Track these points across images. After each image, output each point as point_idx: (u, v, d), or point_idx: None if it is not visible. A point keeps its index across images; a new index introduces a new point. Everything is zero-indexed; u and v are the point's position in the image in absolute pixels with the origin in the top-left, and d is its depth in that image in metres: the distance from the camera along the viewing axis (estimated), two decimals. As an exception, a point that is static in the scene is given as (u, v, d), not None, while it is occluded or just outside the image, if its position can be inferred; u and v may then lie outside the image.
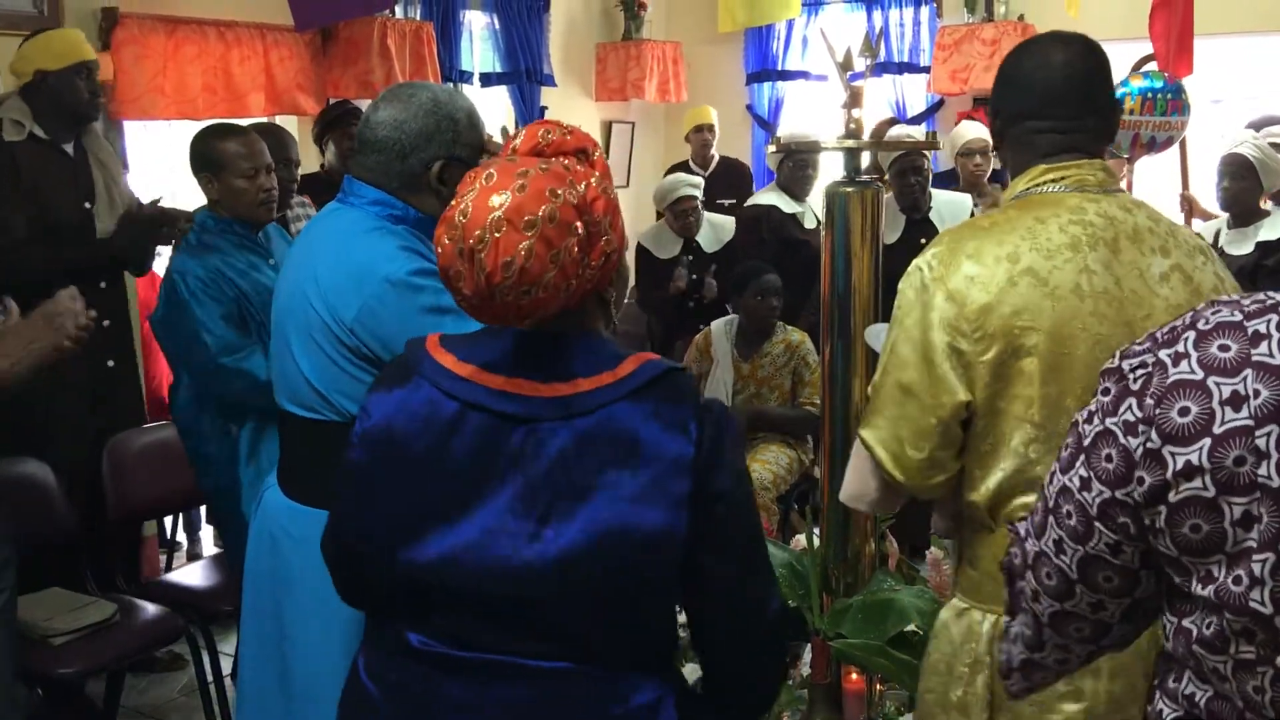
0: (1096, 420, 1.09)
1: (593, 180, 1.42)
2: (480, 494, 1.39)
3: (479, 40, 6.46)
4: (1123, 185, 5.77)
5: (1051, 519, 1.15)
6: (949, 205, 4.72)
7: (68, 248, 3.53)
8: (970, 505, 1.76)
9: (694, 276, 5.28)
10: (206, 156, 3.07)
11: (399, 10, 5.65)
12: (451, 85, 6.01)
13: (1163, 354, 1.04)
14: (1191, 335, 1.03)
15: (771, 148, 5.13)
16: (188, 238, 3.13)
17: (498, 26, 6.40)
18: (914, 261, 1.77)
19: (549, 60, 6.70)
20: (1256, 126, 5.31)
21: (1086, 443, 1.10)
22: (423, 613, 1.43)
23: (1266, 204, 4.61)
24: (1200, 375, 1.00)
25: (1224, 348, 1.00)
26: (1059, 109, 1.76)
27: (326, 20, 4.94)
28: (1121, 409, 1.05)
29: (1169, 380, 1.02)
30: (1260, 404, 0.96)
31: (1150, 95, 5.21)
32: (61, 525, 3.36)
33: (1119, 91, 5.31)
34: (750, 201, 5.33)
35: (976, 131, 5.20)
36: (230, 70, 4.80)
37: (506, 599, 1.38)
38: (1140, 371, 1.05)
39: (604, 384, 1.40)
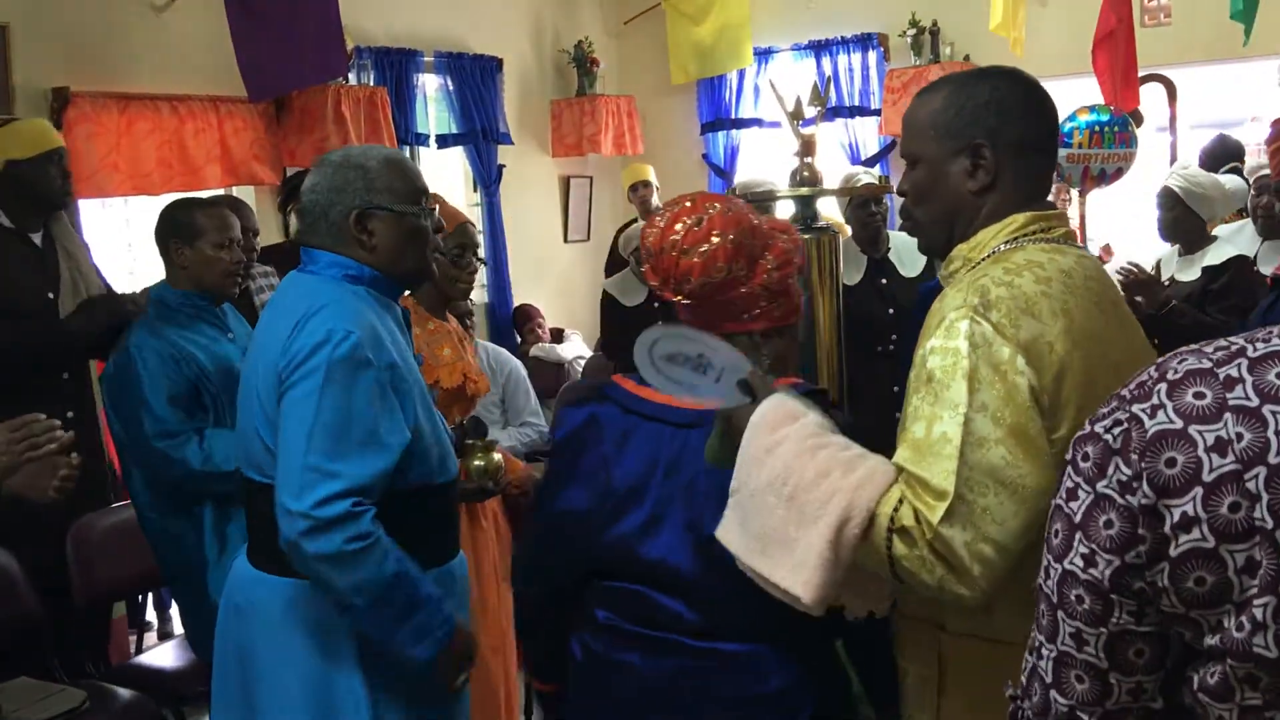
0: (1083, 492, 1.05)
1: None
2: (649, 487, 1.74)
3: (434, 103, 6.50)
4: (1075, 216, 5.84)
5: (1061, 614, 1.08)
6: (906, 246, 4.76)
7: (31, 337, 3.48)
8: (1018, 609, 1.39)
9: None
10: (180, 224, 3.06)
11: (353, 77, 5.68)
12: (407, 148, 6.05)
13: (1135, 409, 1.02)
14: (1164, 387, 1.01)
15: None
16: (147, 312, 3.09)
17: (451, 88, 6.44)
18: (949, 314, 1.46)
19: (504, 118, 6.75)
20: (1209, 152, 5.43)
21: (1078, 519, 1.05)
22: (608, 591, 1.80)
23: (1218, 231, 4.70)
24: (1180, 424, 0.99)
25: (1199, 395, 0.99)
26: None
27: (280, 90, 4.95)
28: (1109, 471, 1.02)
29: (1149, 434, 1.00)
30: (1244, 447, 0.95)
31: (1098, 129, 5.32)
32: (27, 613, 3.29)
33: (1066, 126, 5.42)
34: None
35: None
36: (185, 144, 4.79)
37: (670, 577, 1.71)
38: (1117, 430, 1.03)
39: None
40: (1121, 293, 1.67)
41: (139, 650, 4.37)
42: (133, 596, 4.40)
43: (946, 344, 1.45)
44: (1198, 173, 4.06)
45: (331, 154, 2.19)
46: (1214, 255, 3.87)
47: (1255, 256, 4.41)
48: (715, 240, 1.77)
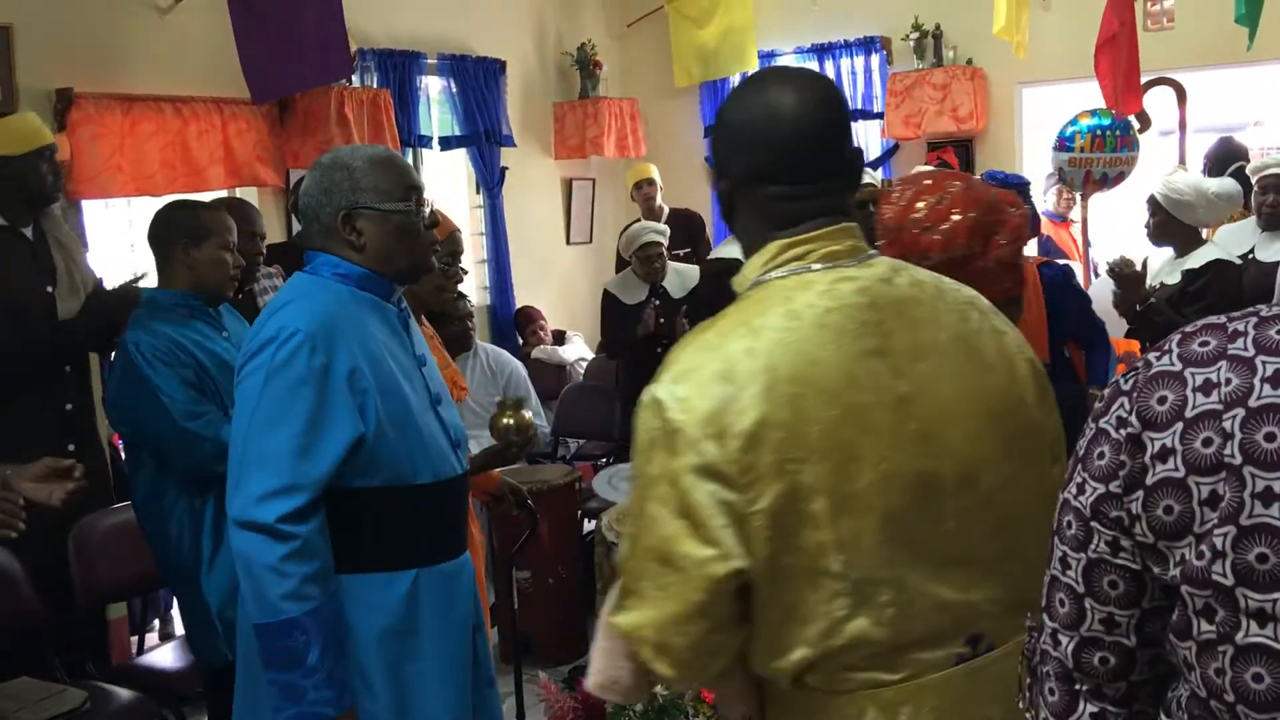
0: (1090, 428, 1.12)
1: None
2: None
3: (437, 105, 6.51)
4: (1077, 219, 5.85)
5: (1056, 539, 1.16)
6: None
7: (31, 333, 3.49)
8: (770, 673, 1.41)
9: (662, 320, 5.29)
10: (186, 225, 3.04)
11: (356, 79, 5.69)
12: (410, 150, 6.06)
13: (1150, 355, 1.10)
14: (1178, 337, 1.09)
15: (724, 205, 5.18)
16: (137, 313, 3.09)
17: (455, 90, 6.45)
18: (647, 388, 1.38)
19: (507, 121, 6.76)
20: (1213, 155, 5.43)
21: (1082, 451, 1.13)
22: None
23: (1222, 230, 4.71)
24: (1179, 367, 1.06)
25: (1204, 344, 1.05)
26: (800, 172, 1.42)
27: (284, 92, 4.96)
28: (1113, 408, 1.10)
29: (1151, 373, 1.08)
30: (1230, 390, 1.01)
31: (1100, 132, 5.31)
32: (28, 613, 3.30)
33: (1068, 130, 5.42)
34: (713, 255, 5.37)
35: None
36: (188, 145, 4.81)
37: None
38: (1130, 374, 1.11)
39: None
40: (961, 296, 1.50)
41: (140, 650, 4.38)
42: (134, 597, 4.40)
43: (638, 423, 1.39)
44: (1179, 179, 4.09)
45: (324, 156, 2.22)
46: (1195, 259, 3.92)
47: (1252, 249, 4.44)
48: (955, 218, 1.86)
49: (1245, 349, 1.03)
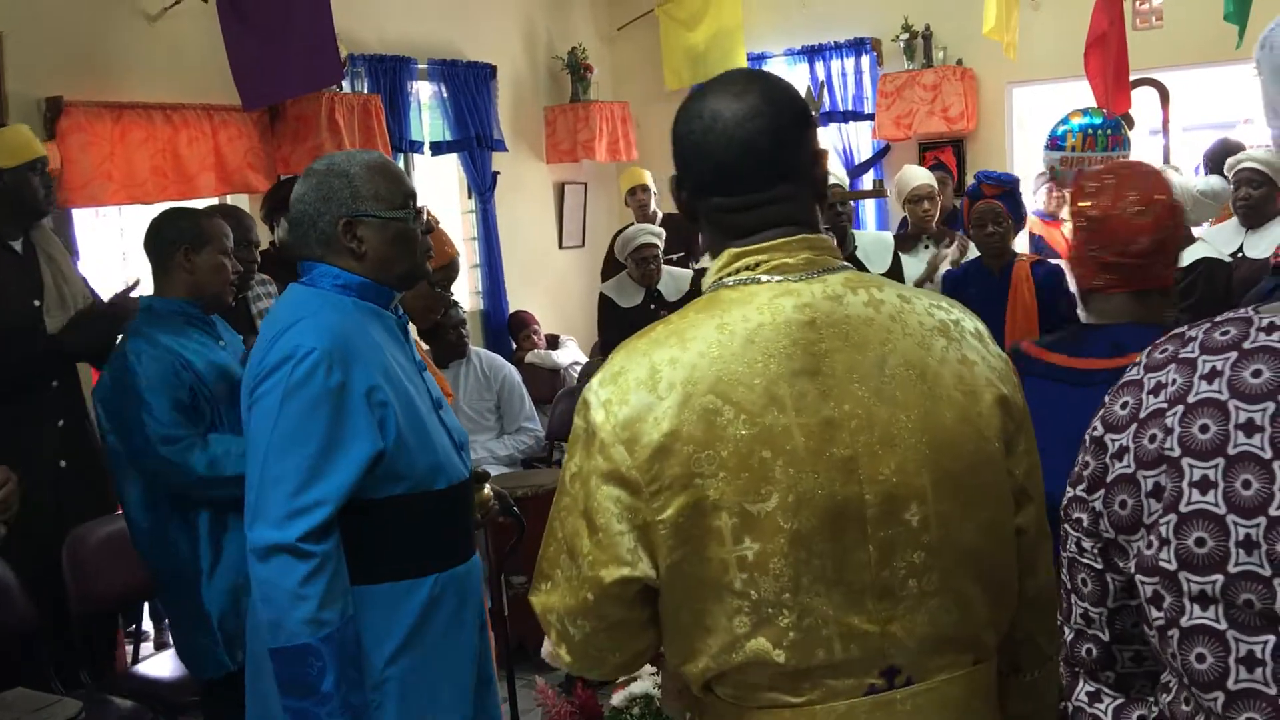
0: (1085, 438, 1.19)
1: None
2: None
3: (428, 110, 6.50)
4: (1067, 218, 5.85)
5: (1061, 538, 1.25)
6: (874, 244, 4.79)
7: (16, 347, 3.46)
8: (683, 675, 1.41)
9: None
10: (184, 231, 3.02)
11: (346, 84, 5.68)
12: (401, 155, 6.05)
13: (1129, 366, 1.18)
14: (1151, 348, 1.17)
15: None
16: (135, 322, 3.08)
17: (445, 95, 6.45)
18: (583, 389, 1.41)
19: (498, 125, 6.76)
20: (1212, 154, 5.45)
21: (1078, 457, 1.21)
22: None
23: (1216, 229, 4.73)
24: (1140, 375, 1.14)
25: (1164, 350, 1.14)
26: (743, 181, 1.40)
27: (274, 98, 4.95)
28: (1094, 419, 1.18)
29: (1121, 382, 1.17)
30: (1174, 390, 1.09)
31: (1091, 131, 5.32)
32: (24, 623, 3.28)
33: (1059, 129, 5.43)
34: (705, 260, 5.38)
35: (923, 177, 5.29)
36: (179, 152, 4.80)
37: None
38: (1113, 387, 1.19)
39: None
40: (926, 322, 1.42)
41: (135, 659, 4.36)
42: (128, 607, 4.38)
43: (575, 415, 1.42)
44: (1170, 178, 4.12)
45: (317, 162, 2.19)
46: (1184, 257, 3.95)
47: (1242, 246, 4.45)
48: (1159, 199, 2.01)
49: (1192, 351, 1.10)
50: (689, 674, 1.39)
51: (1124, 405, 1.13)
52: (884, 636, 1.34)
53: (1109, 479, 1.12)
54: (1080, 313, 2.31)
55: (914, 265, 5.22)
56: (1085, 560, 1.18)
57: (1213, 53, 5.98)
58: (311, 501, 1.99)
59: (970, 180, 6.62)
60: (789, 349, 1.33)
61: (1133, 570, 1.10)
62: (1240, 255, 4.42)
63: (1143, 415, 1.10)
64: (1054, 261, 4.78)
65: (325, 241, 2.14)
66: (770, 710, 1.36)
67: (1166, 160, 5.97)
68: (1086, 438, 1.17)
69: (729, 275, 1.41)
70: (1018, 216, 4.54)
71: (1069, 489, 1.18)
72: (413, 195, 2.22)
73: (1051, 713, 1.57)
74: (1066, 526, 1.18)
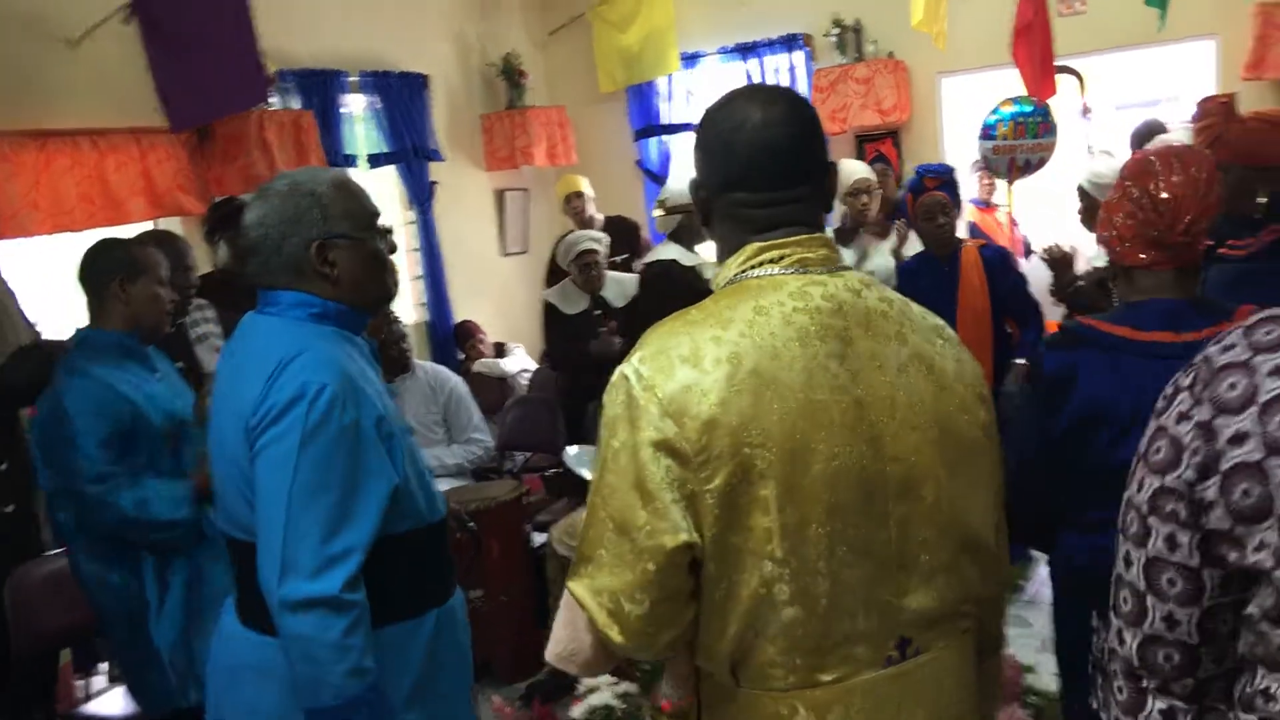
0: (1151, 424, 1.15)
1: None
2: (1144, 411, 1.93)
3: (361, 123, 6.45)
4: (1002, 205, 5.97)
5: (1120, 537, 1.17)
6: None
7: None
8: (709, 661, 1.48)
9: (602, 329, 5.25)
10: (119, 261, 2.97)
11: (277, 101, 5.61)
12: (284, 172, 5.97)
13: (1210, 350, 1.13)
14: (1240, 329, 1.12)
15: (659, 211, 5.19)
16: (71, 355, 3.02)
17: (380, 107, 6.40)
18: (619, 368, 1.47)
19: (434, 135, 6.72)
20: (1139, 135, 5.52)
21: (1143, 449, 1.15)
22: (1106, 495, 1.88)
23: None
24: (1247, 355, 1.09)
25: (1268, 332, 1.10)
26: (768, 179, 1.51)
27: (201, 120, 4.88)
28: (1174, 404, 1.13)
29: (1217, 365, 1.11)
30: None
31: (1021, 119, 5.39)
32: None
33: (990, 119, 5.49)
34: (650, 258, 5.37)
35: (861, 171, 5.33)
36: (106, 178, 4.71)
37: None
38: (1190, 371, 1.14)
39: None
40: (926, 322, 1.56)
41: (88, 696, 4.28)
42: (75, 643, 4.30)
43: (606, 399, 1.47)
44: (1100, 165, 4.19)
45: (275, 183, 2.04)
46: None
47: None
48: (1216, 181, 2.15)
49: None
50: (718, 652, 1.44)
51: (1232, 387, 1.07)
52: (901, 609, 1.45)
53: (1225, 466, 1.06)
54: (1114, 290, 2.44)
55: (850, 259, 5.26)
56: (1175, 557, 1.11)
57: (1136, 36, 6.08)
58: (344, 549, 1.88)
59: (908, 172, 6.71)
60: (821, 332, 1.43)
61: (1263, 562, 1.04)
62: None
63: (1264, 399, 1.04)
64: (999, 245, 4.87)
65: (293, 267, 2.01)
66: (798, 691, 1.43)
67: (1089, 144, 6.05)
68: (1168, 425, 1.11)
69: (754, 267, 1.50)
70: (959, 204, 4.63)
71: (1152, 478, 1.12)
72: (378, 213, 2.12)
73: (994, 700, 1.69)
74: (1154, 519, 1.12)
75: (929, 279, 4.43)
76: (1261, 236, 3.38)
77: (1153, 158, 2.24)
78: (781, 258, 1.49)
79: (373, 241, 2.07)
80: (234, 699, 2.05)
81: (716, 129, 1.54)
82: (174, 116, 4.61)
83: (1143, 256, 2.23)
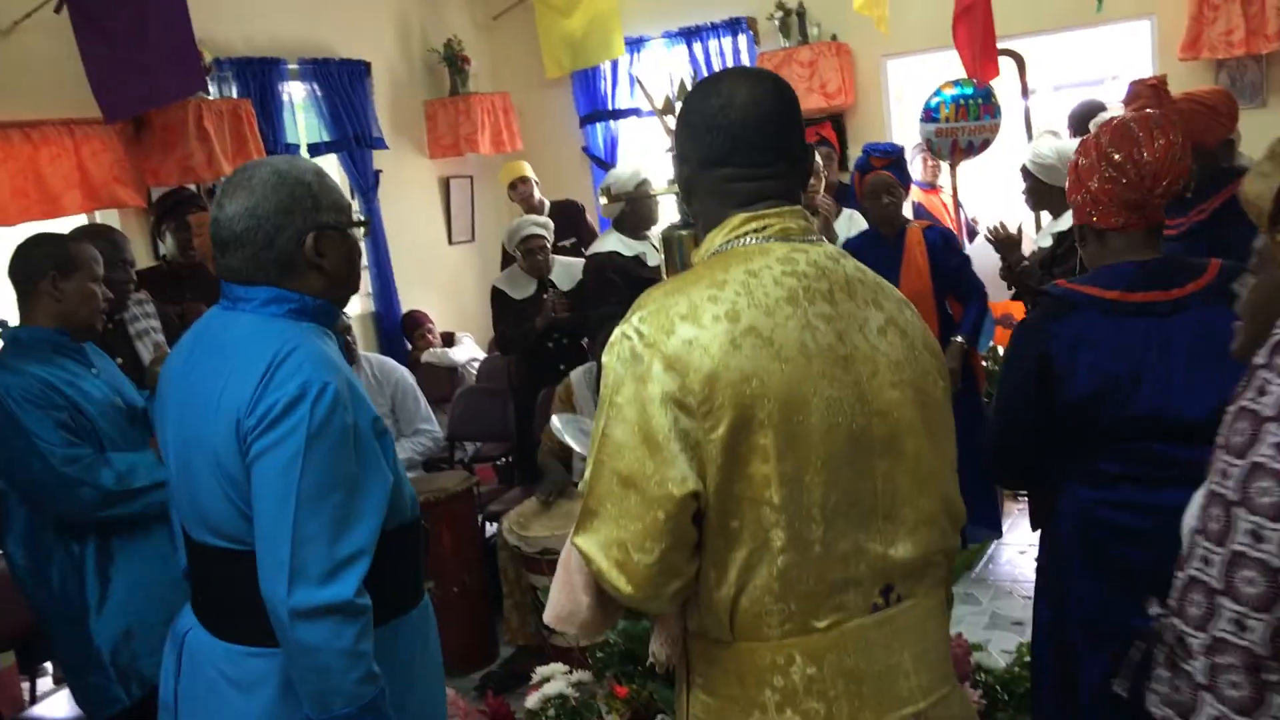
0: (1274, 392, 1.08)
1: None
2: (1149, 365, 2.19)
3: (302, 111, 6.36)
4: (946, 186, 6.02)
5: (1240, 511, 1.07)
6: None
7: None
8: (708, 613, 1.53)
9: (564, 312, 5.25)
10: (53, 257, 2.91)
11: (214, 89, 5.52)
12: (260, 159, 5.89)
13: None
14: None
15: (603, 199, 5.17)
16: (0, 355, 2.95)
17: (320, 95, 6.31)
18: (617, 329, 1.54)
19: (377, 123, 6.65)
20: (1077, 115, 5.59)
21: (1269, 412, 1.08)
22: (1119, 449, 2.21)
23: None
24: None
25: None
26: (752, 154, 1.58)
27: (136, 110, 4.78)
28: (1271, 379, 1.08)
29: None
30: None
31: (963, 101, 5.43)
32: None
33: (933, 101, 5.53)
34: (591, 250, 5.36)
35: (807, 154, 5.35)
36: (40, 171, 4.60)
37: (1177, 438, 2.16)
38: (1273, 351, 1.12)
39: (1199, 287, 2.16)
40: (897, 294, 1.65)
41: (34, 699, 4.21)
42: (15, 647, 4.22)
43: (607, 359, 1.53)
44: (1043, 145, 4.24)
45: (255, 171, 1.93)
46: (1065, 220, 4.05)
47: None
48: (1184, 140, 2.29)
49: None
50: (717, 603, 1.50)
51: None
52: (886, 558, 1.53)
53: None
54: (1080, 248, 2.51)
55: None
56: (1260, 552, 1.05)
57: (1075, 18, 6.14)
58: (353, 551, 1.81)
59: (854, 153, 6.74)
60: (809, 294, 1.52)
61: None
62: None
63: None
64: (942, 226, 4.91)
65: (285, 260, 1.91)
66: (794, 639, 1.50)
67: (1028, 124, 6.10)
68: (1260, 411, 1.06)
69: (740, 236, 1.58)
70: (907, 183, 4.67)
71: (1232, 460, 1.08)
72: (350, 203, 2.05)
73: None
74: (1239, 512, 1.08)
75: (873, 258, 4.39)
76: (1191, 216, 3.44)
77: (1132, 124, 2.33)
78: (765, 228, 1.57)
79: (354, 232, 2.01)
80: (215, 717, 1.96)
81: (703, 107, 1.60)
82: (108, 107, 4.52)
83: (1118, 220, 2.32)
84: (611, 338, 1.53)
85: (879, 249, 4.54)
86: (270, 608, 1.81)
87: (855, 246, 4.69)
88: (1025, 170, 4.24)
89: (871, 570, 1.53)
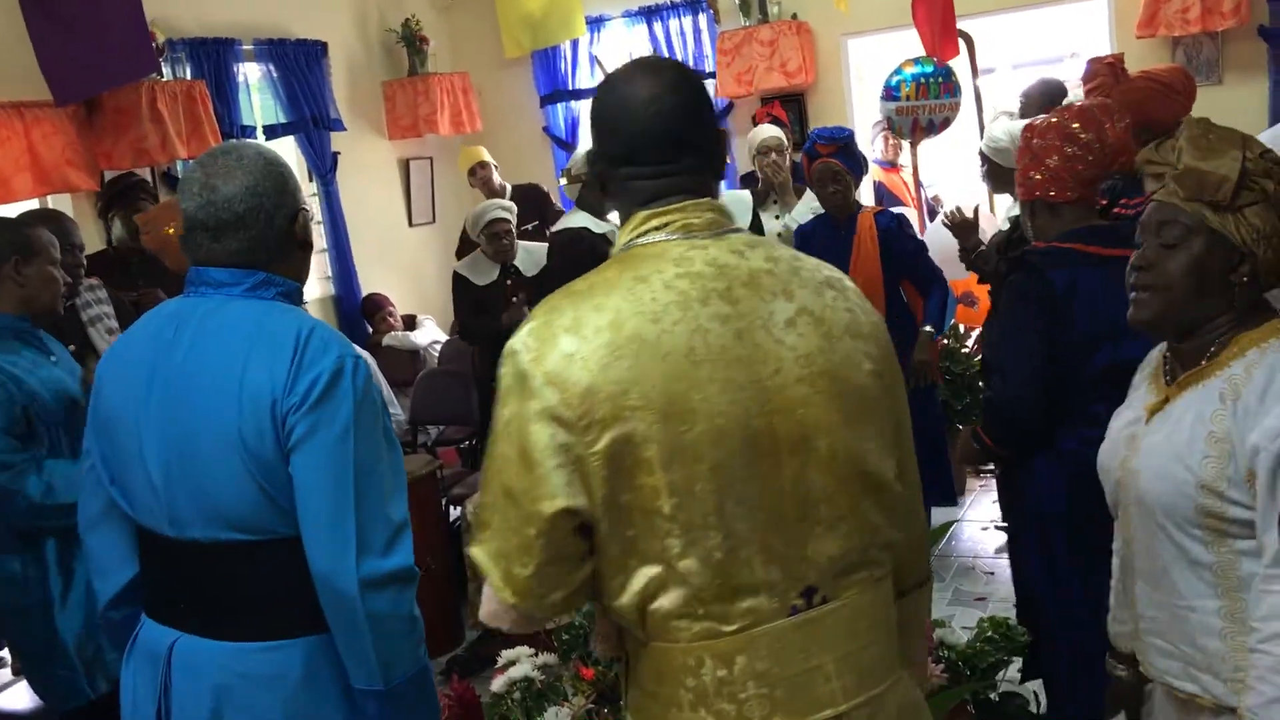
0: None
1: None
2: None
3: (258, 92, 6.28)
4: (907, 165, 6.03)
5: None
6: (734, 202, 4.85)
7: None
8: (618, 617, 1.54)
9: (515, 300, 5.20)
10: (13, 242, 2.87)
11: (168, 71, 5.44)
12: (234, 141, 5.82)
13: None
14: None
15: (563, 180, 5.15)
16: None
17: (276, 76, 6.23)
18: (509, 341, 1.51)
19: (335, 104, 6.57)
20: (1031, 95, 5.62)
21: None
22: (1110, 394, 2.28)
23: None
24: None
25: None
26: (654, 153, 1.56)
27: (88, 92, 4.70)
28: None
29: None
30: None
31: (924, 80, 5.44)
32: None
33: (893, 80, 5.53)
34: (559, 226, 5.32)
35: (771, 131, 5.35)
36: (-11, 155, 4.52)
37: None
38: None
39: None
40: (817, 276, 1.59)
41: (-9, 690, 4.17)
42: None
43: (499, 370, 1.51)
44: (998, 128, 4.27)
45: (241, 152, 1.94)
46: (1017, 207, 4.09)
47: None
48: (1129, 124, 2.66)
49: None
50: (623, 609, 1.49)
51: None
52: (803, 559, 1.49)
53: None
54: (1028, 223, 2.79)
55: (767, 220, 5.28)
56: None
57: (1033, -4, 6.17)
58: (403, 518, 1.86)
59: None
60: (703, 296, 1.47)
61: None
62: None
63: None
64: (895, 210, 4.90)
65: (281, 240, 1.93)
66: (703, 642, 1.48)
67: (979, 104, 6.11)
68: None
69: (640, 235, 1.55)
70: (856, 169, 4.59)
71: None
72: None
73: (921, 627, 1.76)
74: None
75: (823, 243, 4.43)
76: (1148, 195, 3.47)
77: (1093, 108, 2.57)
78: (666, 224, 1.54)
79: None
80: (239, 717, 1.92)
81: (603, 108, 1.59)
82: (58, 90, 4.44)
83: (1074, 194, 2.62)
84: (505, 347, 1.51)
85: (830, 234, 4.50)
86: (331, 585, 1.81)
87: (806, 231, 4.66)
88: (981, 154, 4.26)
89: (786, 573, 1.48)
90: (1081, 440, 2.45)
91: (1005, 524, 3.15)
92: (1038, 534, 2.69)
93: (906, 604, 1.68)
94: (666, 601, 1.47)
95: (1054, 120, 2.66)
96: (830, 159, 4.46)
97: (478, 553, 1.52)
